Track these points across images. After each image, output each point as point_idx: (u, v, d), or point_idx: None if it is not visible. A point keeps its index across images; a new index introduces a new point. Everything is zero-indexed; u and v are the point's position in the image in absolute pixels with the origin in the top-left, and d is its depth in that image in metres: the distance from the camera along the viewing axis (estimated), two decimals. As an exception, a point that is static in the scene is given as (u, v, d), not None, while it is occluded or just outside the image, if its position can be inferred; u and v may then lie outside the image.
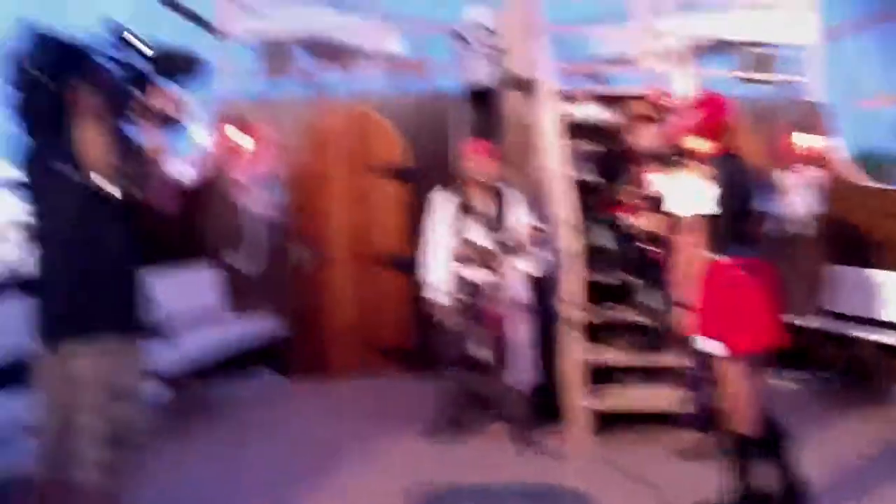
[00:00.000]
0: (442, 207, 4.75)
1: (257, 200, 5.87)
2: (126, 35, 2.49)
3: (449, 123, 6.21)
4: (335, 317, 6.38)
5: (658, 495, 3.79)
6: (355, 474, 4.17)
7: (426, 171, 6.22)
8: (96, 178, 2.38)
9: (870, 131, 8.51)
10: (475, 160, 4.67)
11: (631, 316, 5.03)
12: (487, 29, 6.08)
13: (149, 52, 2.53)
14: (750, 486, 3.34)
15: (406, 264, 6.29)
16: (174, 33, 5.89)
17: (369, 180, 6.34)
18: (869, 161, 7.87)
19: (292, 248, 6.27)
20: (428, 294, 4.75)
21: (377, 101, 6.50)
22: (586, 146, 5.39)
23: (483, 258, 4.60)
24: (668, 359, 4.76)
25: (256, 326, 6.01)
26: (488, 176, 4.66)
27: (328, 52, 7.24)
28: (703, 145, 3.41)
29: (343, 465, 4.29)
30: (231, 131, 5.80)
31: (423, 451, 4.56)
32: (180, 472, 4.04)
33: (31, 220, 2.60)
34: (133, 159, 2.44)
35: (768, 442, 3.32)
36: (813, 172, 6.30)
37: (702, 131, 3.40)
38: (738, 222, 3.32)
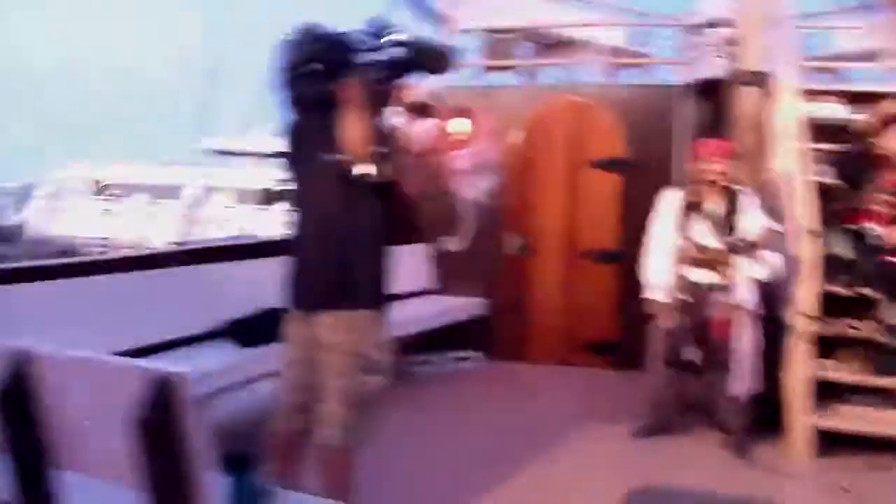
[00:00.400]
0: (668, 205, 4.63)
1: (473, 187, 6.01)
2: (388, 30, 2.68)
3: (672, 118, 6.02)
4: (540, 305, 6.44)
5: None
6: (563, 468, 4.18)
7: (645, 165, 6.10)
8: (355, 162, 2.58)
9: None
10: (708, 159, 4.50)
11: (869, 332, 4.63)
12: (721, 20, 5.81)
13: (407, 47, 2.71)
14: None
15: (616, 259, 6.23)
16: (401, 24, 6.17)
17: (585, 172, 6.31)
18: None
19: (504, 236, 6.39)
20: (647, 293, 4.64)
21: (598, 93, 6.44)
22: (827, 147, 4.99)
23: (709, 259, 4.44)
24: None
25: (462, 306, 6.23)
26: (722, 176, 4.47)
27: (550, 44, 7.26)
28: None
29: (548, 455, 4.31)
30: (452, 119, 5.98)
31: (632, 451, 4.50)
32: (384, 441, 4.23)
33: (293, 195, 2.87)
34: (388, 146, 2.62)
35: None
36: None
37: None
38: None
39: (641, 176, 6.12)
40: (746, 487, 3.95)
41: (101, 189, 25.97)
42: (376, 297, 2.80)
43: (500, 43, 6.79)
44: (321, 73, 2.66)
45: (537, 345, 6.43)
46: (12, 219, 22.53)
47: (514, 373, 6.14)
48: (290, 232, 2.91)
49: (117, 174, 26.58)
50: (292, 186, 2.91)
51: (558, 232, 6.39)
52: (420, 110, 2.79)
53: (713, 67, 5.78)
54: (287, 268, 2.89)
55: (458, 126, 6.02)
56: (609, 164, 6.25)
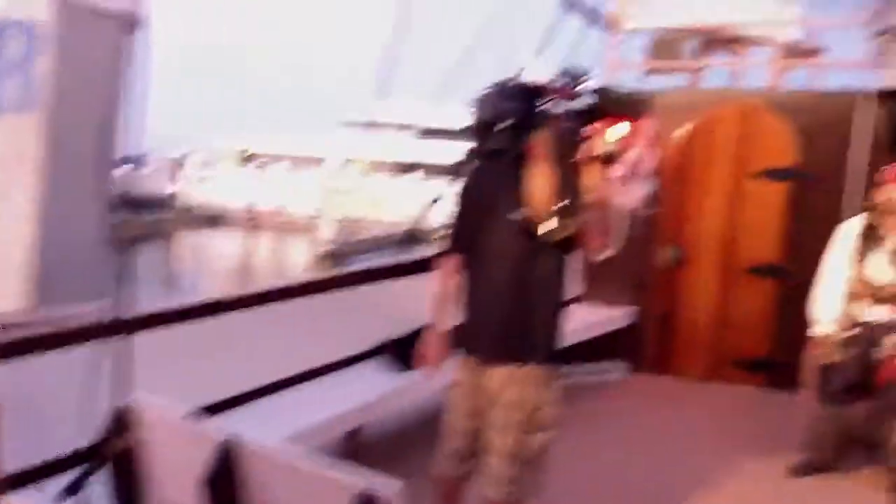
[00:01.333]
0: (846, 234, 4.30)
1: (630, 194, 5.82)
2: (581, 78, 2.62)
3: (851, 128, 5.58)
4: (691, 318, 6.18)
5: None
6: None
7: (816, 177, 5.70)
8: (540, 219, 2.55)
9: None
10: (891, 185, 4.13)
11: None
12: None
13: (600, 95, 2.67)
14: None
15: (777, 274, 5.89)
16: (567, 29, 6.03)
17: (750, 181, 5.96)
18: None
19: (658, 245, 6.17)
20: (814, 327, 4.35)
21: (768, 97, 6.05)
22: None
23: (884, 296, 4.09)
24: None
25: (611, 316, 6.08)
26: None
27: (720, 41, 6.88)
28: None
29: (693, 487, 4.14)
30: (613, 125, 5.82)
31: (789, 492, 4.26)
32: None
33: (470, 242, 2.85)
34: (574, 200, 2.57)
35: None
36: None
37: None
38: None
39: (811, 188, 5.73)
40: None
41: (246, 159, 27.25)
42: (552, 353, 2.80)
43: (664, 43, 6.49)
44: (512, 130, 2.65)
45: (685, 358, 6.19)
46: (167, 188, 24.04)
47: (661, 386, 5.95)
48: (464, 278, 2.93)
49: (262, 145, 27.82)
50: (461, 231, 2.93)
51: (716, 243, 6.10)
52: (604, 160, 2.69)
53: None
54: (462, 314, 2.92)
55: (617, 131, 5.85)
56: (776, 174, 5.88)
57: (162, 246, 20.54)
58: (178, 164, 24.83)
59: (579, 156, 2.68)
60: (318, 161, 24.43)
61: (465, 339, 2.90)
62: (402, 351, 4.44)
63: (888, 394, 4.09)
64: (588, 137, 2.68)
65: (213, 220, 24.06)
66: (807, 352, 5.23)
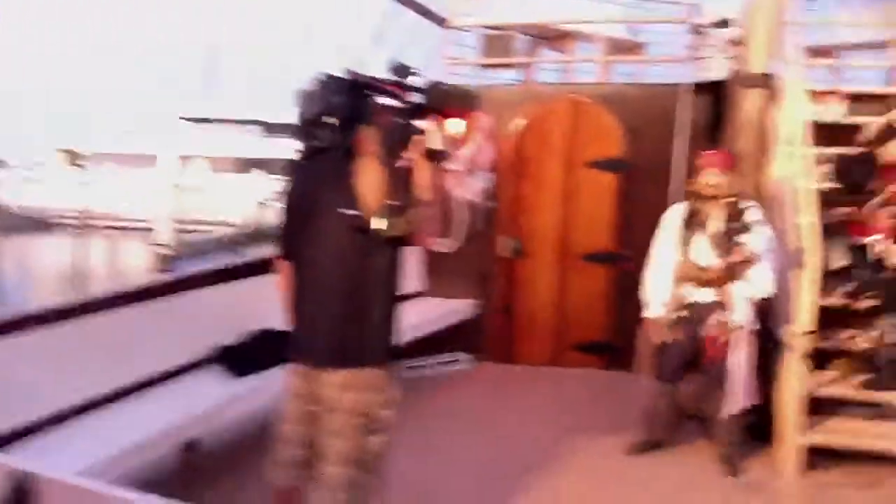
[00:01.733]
0: (671, 222, 4.52)
1: (469, 187, 5.89)
2: (408, 74, 2.57)
3: (673, 118, 5.90)
4: (532, 307, 6.35)
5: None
6: (557, 486, 4.10)
7: (643, 166, 5.99)
8: (372, 216, 2.48)
9: None
10: (710, 172, 4.38)
11: (864, 345, 4.59)
12: (724, 19, 5.69)
13: (426, 91, 2.62)
14: None
15: (611, 260, 6.15)
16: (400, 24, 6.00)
17: (582, 172, 6.18)
18: None
19: (498, 238, 6.28)
20: (646, 310, 4.56)
21: (596, 91, 6.30)
22: (829, 153, 4.89)
23: (707, 278, 4.34)
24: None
25: (454, 309, 6.15)
26: (723, 190, 4.36)
27: (550, 38, 7.10)
28: None
29: (543, 466, 4.25)
30: (449, 120, 5.86)
31: (625, 469, 4.44)
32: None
33: (293, 243, 2.75)
34: (405, 197, 2.52)
35: None
36: None
37: None
38: None
39: (639, 177, 6.02)
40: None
41: (73, 158, 25.50)
42: (387, 353, 2.73)
43: (497, 39, 6.60)
44: (339, 125, 2.56)
45: (529, 346, 6.36)
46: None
47: (506, 374, 6.08)
48: (292, 282, 2.81)
49: (90, 143, 26.13)
50: (290, 233, 2.81)
51: (553, 233, 6.29)
52: (434, 156, 2.65)
53: (717, 67, 5.67)
54: (292, 319, 2.81)
55: (453, 126, 5.89)
56: (606, 165, 6.13)
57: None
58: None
59: (411, 151, 2.63)
60: (152, 159, 23.21)
61: (296, 345, 2.79)
62: (236, 357, 4.29)
63: (712, 371, 4.36)
64: (419, 132, 2.64)
65: (38, 224, 22.41)
66: (640, 334, 5.51)
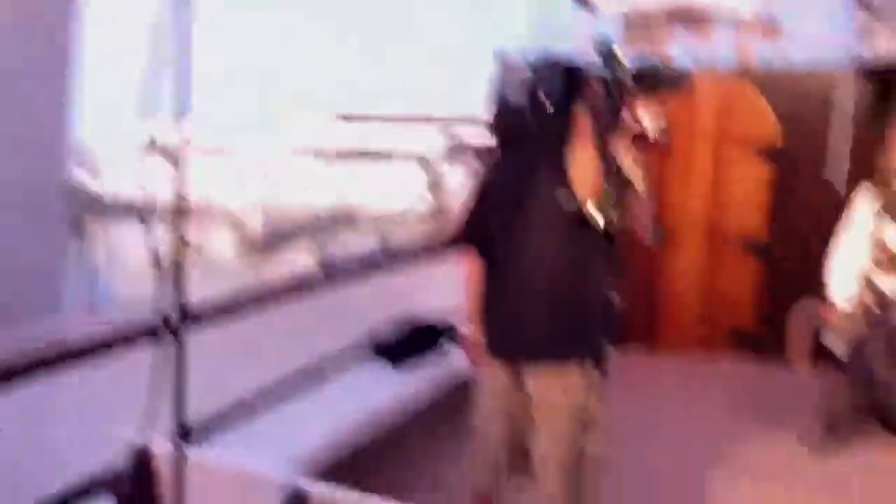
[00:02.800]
0: (861, 206, 4.34)
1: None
2: (614, 53, 2.42)
3: (831, 102, 5.67)
4: (677, 295, 6.19)
5: None
6: (749, 484, 3.97)
7: (798, 153, 5.78)
8: (590, 206, 2.36)
9: None
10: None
11: None
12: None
13: (634, 70, 2.47)
14: None
15: (761, 249, 5.96)
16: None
17: (733, 158, 5.99)
18: None
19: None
20: (829, 298, 4.39)
21: (751, 73, 6.08)
22: None
23: None
24: None
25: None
26: None
27: (689, 20, 6.86)
28: None
29: (722, 468, 4.10)
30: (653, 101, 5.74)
31: (805, 459, 4.30)
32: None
33: (496, 232, 2.65)
34: (618, 185, 2.38)
35: None
36: None
37: None
38: None
39: (793, 164, 5.81)
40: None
41: (153, 147, 25.85)
42: (602, 347, 2.62)
43: (640, 21, 6.41)
44: (554, 109, 2.44)
45: (673, 334, 6.21)
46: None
47: (654, 366, 5.93)
48: (487, 275, 2.72)
49: (170, 132, 26.46)
50: (485, 225, 2.71)
51: (701, 219, 6.12)
52: (644, 142, 2.51)
53: (886, 47, 5.39)
54: (488, 313, 2.71)
55: (655, 109, 5.75)
56: (759, 150, 5.92)
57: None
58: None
59: (621, 136, 2.49)
60: (231, 149, 23.55)
61: (498, 340, 2.69)
62: (391, 349, 4.28)
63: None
64: (629, 115, 2.49)
65: (130, 210, 22.92)
66: (793, 323, 5.31)
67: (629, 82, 2.46)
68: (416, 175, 13.55)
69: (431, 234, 5.60)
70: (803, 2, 6.71)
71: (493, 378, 2.70)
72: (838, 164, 5.63)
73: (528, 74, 2.53)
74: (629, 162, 2.49)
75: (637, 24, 6.40)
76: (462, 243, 2.85)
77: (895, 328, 4.15)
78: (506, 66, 2.65)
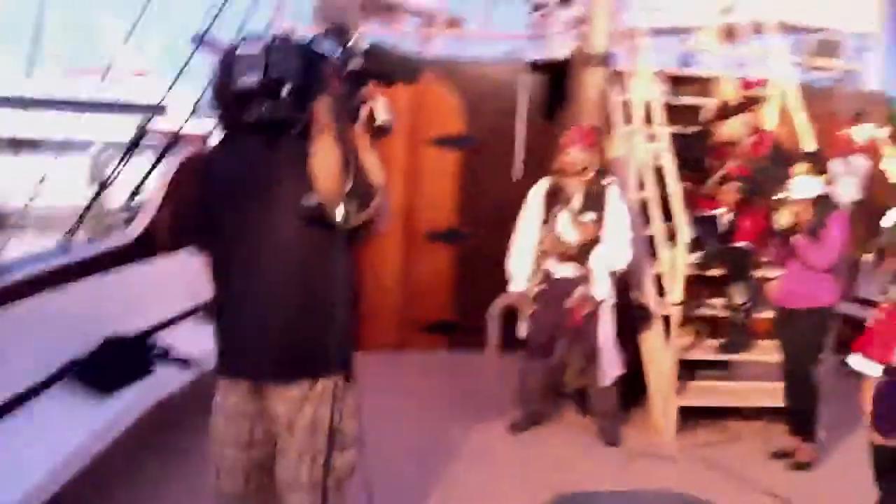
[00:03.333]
0: (534, 198, 4.55)
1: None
2: (348, 38, 2.19)
3: (514, 94, 5.95)
4: (376, 291, 6.12)
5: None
6: (451, 467, 4.01)
7: (486, 142, 5.99)
8: (334, 203, 2.11)
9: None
10: (574, 148, 4.45)
11: (718, 310, 4.97)
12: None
13: (371, 56, 2.26)
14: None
15: (454, 238, 6.11)
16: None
17: (425, 150, 6.04)
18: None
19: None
20: (511, 284, 4.57)
21: (436, 67, 6.15)
22: (671, 131, 5.15)
23: (569, 252, 4.43)
24: (754, 354, 4.76)
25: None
26: (586, 166, 4.45)
27: (375, 10, 6.83)
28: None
29: (428, 454, 4.14)
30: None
31: (513, 445, 4.46)
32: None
33: (221, 236, 2.32)
34: (363, 178, 2.17)
35: None
36: (861, 161, 6.33)
37: None
38: None
39: (482, 154, 6.01)
40: (627, 475, 4.09)
41: None
42: (349, 358, 2.37)
43: (327, 8, 6.20)
44: (293, 96, 2.14)
45: (374, 331, 6.13)
46: None
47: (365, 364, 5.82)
48: (215, 277, 2.37)
49: None
50: (210, 224, 2.34)
51: (397, 213, 6.09)
52: (380, 132, 2.32)
53: (558, 45, 5.77)
54: (218, 327, 2.35)
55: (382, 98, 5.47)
56: (447, 142, 6.04)
57: None
58: None
59: (359, 126, 2.27)
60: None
61: (232, 358, 2.33)
62: (95, 372, 3.68)
63: (580, 344, 4.48)
64: (365, 103, 2.28)
65: None
66: (490, 311, 5.53)
67: (365, 70, 2.22)
68: (89, 168, 12.16)
69: (126, 234, 4.86)
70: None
71: (227, 399, 2.33)
72: (518, 155, 5.95)
73: (262, 59, 2.18)
74: (368, 153, 2.24)
75: (328, 7, 6.19)
76: (182, 241, 2.44)
77: (567, 311, 4.41)
78: (231, 51, 2.25)
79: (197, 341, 4.04)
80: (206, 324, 4.48)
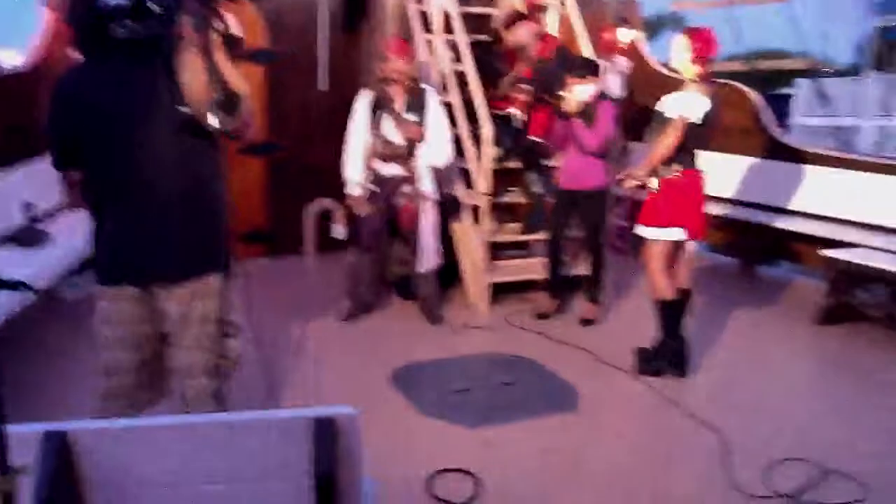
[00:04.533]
0: (360, 106, 4.88)
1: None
2: None
3: (314, 8, 6.12)
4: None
5: (583, 352, 4.55)
6: (288, 361, 4.28)
7: (290, 55, 6.13)
8: (201, 113, 2.34)
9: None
10: (395, 59, 4.80)
11: (518, 197, 5.64)
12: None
13: None
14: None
15: (265, 151, 6.27)
16: None
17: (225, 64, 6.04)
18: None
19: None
20: (347, 185, 4.93)
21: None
22: (463, 39, 5.61)
23: (394, 154, 4.85)
24: (542, 235, 5.48)
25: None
26: (406, 74, 4.83)
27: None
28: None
29: (273, 349, 4.35)
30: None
31: (350, 333, 4.91)
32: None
33: (93, 152, 2.49)
34: (224, 88, 2.40)
35: (675, 306, 4.18)
36: (623, 61, 7.20)
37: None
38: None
39: (287, 67, 6.15)
40: (453, 347, 4.66)
41: None
42: (226, 255, 2.64)
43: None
44: (163, 13, 2.30)
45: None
46: None
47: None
48: (94, 194, 2.52)
49: None
50: (77, 141, 2.45)
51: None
52: (232, 44, 2.53)
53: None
54: (102, 238, 2.51)
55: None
56: (252, 56, 6.08)
57: None
58: None
59: (217, 40, 2.48)
60: None
61: (119, 267, 2.52)
62: None
63: (408, 237, 4.97)
64: (217, 17, 2.49)
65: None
66: (305, 217, 5.81)
67: None
68: None
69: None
70: None
71: (114, 305, 2.52)
72: (323, 66, 6.19)
73: None
74: (229, 65, 2.44)
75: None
76: (61, 164, 2.56)
77: (398, 209, 4.87)
78: None
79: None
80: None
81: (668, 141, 3.93)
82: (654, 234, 4.07)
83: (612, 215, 5.09)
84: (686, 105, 3.93)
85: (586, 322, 5.04)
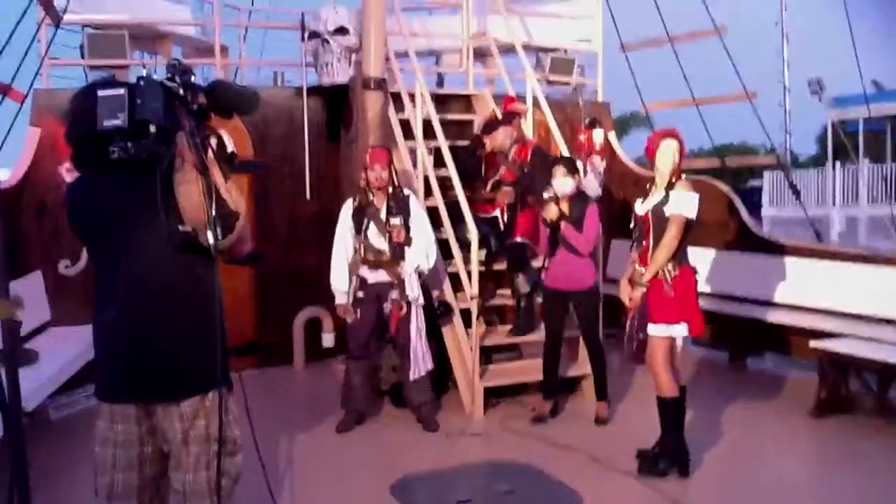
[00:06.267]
0: (344, 215, 4.94)
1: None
2: (188, 74, 2.41)
3: (300, 118, 6.26)
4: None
5: (585, 455, 4.42)
6: (287, 470, 4.23)
7: (275, 164, 6.22)
8: (200, 230, 2.35)
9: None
10: (375, 167, 4.88)
11: (506, 299, 5.63)
12: (342, 27, 6.18)
13: (212, 91, 2.49)
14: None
15: (252, 260, 6.25)
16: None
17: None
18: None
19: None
20: (336, 295, 4.91)
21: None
22: (448, 144, 5.72)
23: (380, 260, 4.86)
24: (539, 335, 5.45)
25: (86, 335, 5.58)
26: (388, 181, 4.90)
27: (151, 38, 6.74)
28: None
29: (268, 461, 4.25)
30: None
31: (344, 443, 4.77)
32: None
33: (116, 260, 2.47)
34: (220, 207, 2.41)
35: (679, 404, 4.14)
36: (599, 160, 7.36)
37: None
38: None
39: (273, 175, 6.23)
40: (451, 455, 4.53)
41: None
42: (227, 370, 2.59)
43: (104, 39, 6.04)
44: (159, 133, 2.33)
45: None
46: None
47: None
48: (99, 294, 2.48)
49: None
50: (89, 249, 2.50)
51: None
52: (230, 162, 2.56)
53: (338, 71, 6.14)
54: (101, 349, 2.47)
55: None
56: (240, 167, 6.14)
57: None
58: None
59: (210, 157, 2.51)
60: None
61: (117, 383, 2.46)
62: None
63: (398, 343, 4.92)
64: (214, 136, 2.52)
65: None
66: (295, 327, 5.80)
67: (208, 105, 2.42)
68: None
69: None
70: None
71: (114, 426, 2.44)
72: (307, 176, 6.29)
73: (124, 101, 2.30)
74: (224, 182, 2.45)
75: (103, 40, 6.06)
76: None
77: (384, 316, 4.85)
78: (91, 94, 2.35)
79: None
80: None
81: (675, 241, 3.99)
82: (663, 332, 4.06)
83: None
84: (685, 203, 4.01)
85: (601, 422, 4.98)
